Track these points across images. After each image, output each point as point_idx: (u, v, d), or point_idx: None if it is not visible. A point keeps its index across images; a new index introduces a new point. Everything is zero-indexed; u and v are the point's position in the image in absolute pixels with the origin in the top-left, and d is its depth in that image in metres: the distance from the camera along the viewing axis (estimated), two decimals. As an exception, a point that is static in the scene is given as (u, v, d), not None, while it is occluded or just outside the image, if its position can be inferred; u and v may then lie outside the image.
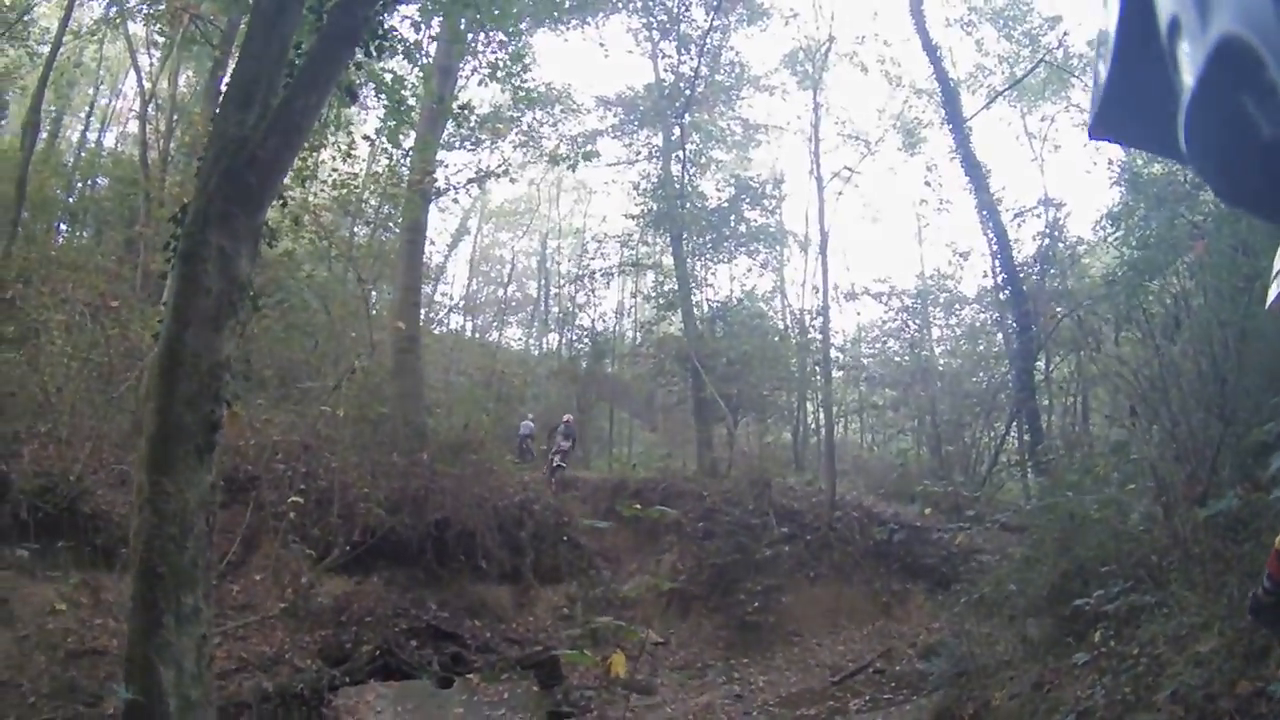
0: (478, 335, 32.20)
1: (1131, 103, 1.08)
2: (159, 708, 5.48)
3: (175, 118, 17.40)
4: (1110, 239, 14.05)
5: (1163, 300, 10.25)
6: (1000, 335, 24.09)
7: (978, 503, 18.07)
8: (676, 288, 23.54)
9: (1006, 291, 21.19)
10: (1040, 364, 21.75)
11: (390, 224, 19.22)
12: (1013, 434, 22.10)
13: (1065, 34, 23.92)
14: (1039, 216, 21.98)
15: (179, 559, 5.81)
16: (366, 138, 14.90)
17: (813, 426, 27.82)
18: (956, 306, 27.06)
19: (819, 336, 24.50)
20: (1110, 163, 17.38)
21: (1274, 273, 2.93)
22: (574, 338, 28.70)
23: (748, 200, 24.56)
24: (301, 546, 11.85)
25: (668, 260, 24.32)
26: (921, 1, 22.94)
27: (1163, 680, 5.79)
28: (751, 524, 16.69)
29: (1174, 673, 5.70)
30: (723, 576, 15.95)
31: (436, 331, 26.50)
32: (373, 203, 18.85)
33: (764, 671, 14.14)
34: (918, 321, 27.40)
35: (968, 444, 23.46)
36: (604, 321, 30.63)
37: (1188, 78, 0.83)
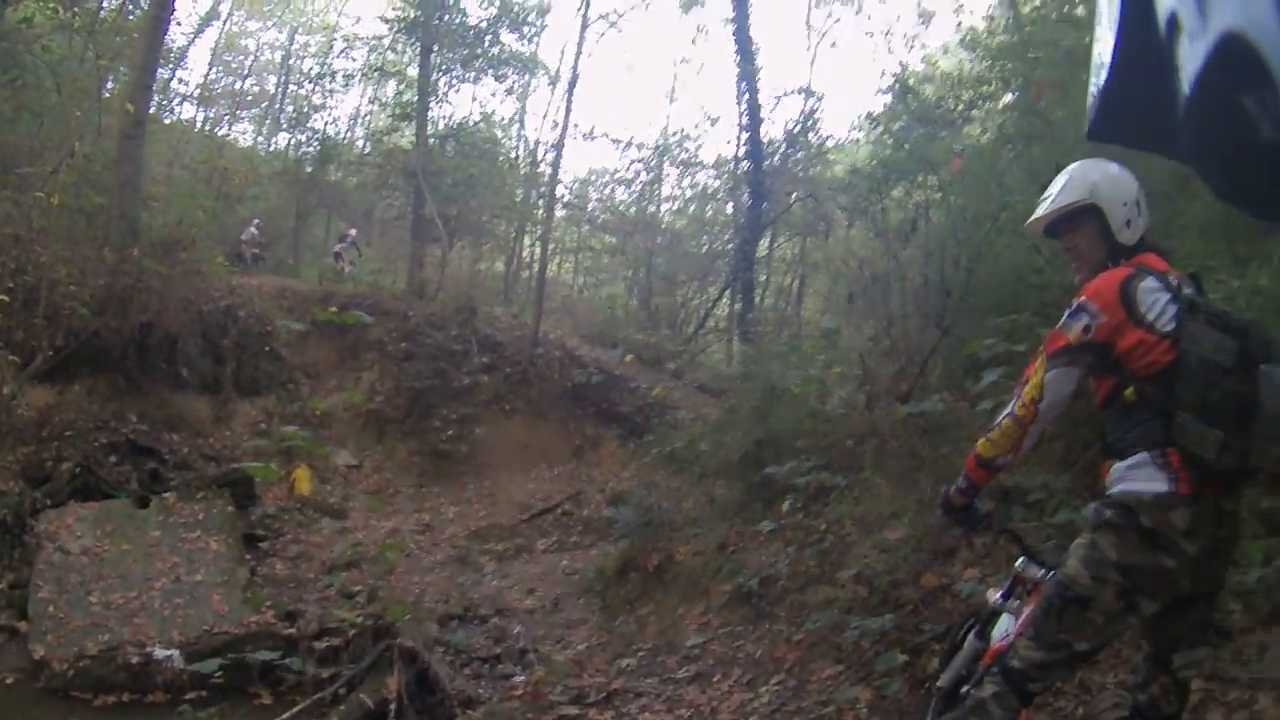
0: (209, 128, 29.39)
1: (1131, 102, 1.08)
2: None
3: None
4: (867, 137, 14.55)
5: (905, 205, 10.76)
6: (731, 206, 24.70)
7: (679, 359, 18.79)
8: (415, 99, 22.37)
9: (747, 164, 21.58)
10: (766, 242, 22.57)
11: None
12: (725, 301, 22.99)
13: None
14: (797, 103, 22.55)
15: None
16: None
17: (527, 261, 27.69)
18: (692, 169, 27.49)
19: (549, 170, 24.24)
20: (883, 73, 18.12)
21: (1043, 196, 3.08)
22: (304, 140, 26.79)
23: (508, 23, 23.48)
24: (5, 352, 10.57)
25: (414, 72, 22.95)
26: None
27: (848, 559, 6.15)
28: (453, 350, 16.43)
29: (860, 554, 6.06)
30: (420, 400, 15.70)
31: (167, 121, 24.00)
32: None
33: (454, 503, 14.16)
34: (651, 174, 27.64)
35: (678, 303, 24.22)
36: (337, 126, 28.96)
37: (1187, 76, 0.85)
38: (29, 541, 9.18)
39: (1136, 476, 2.70)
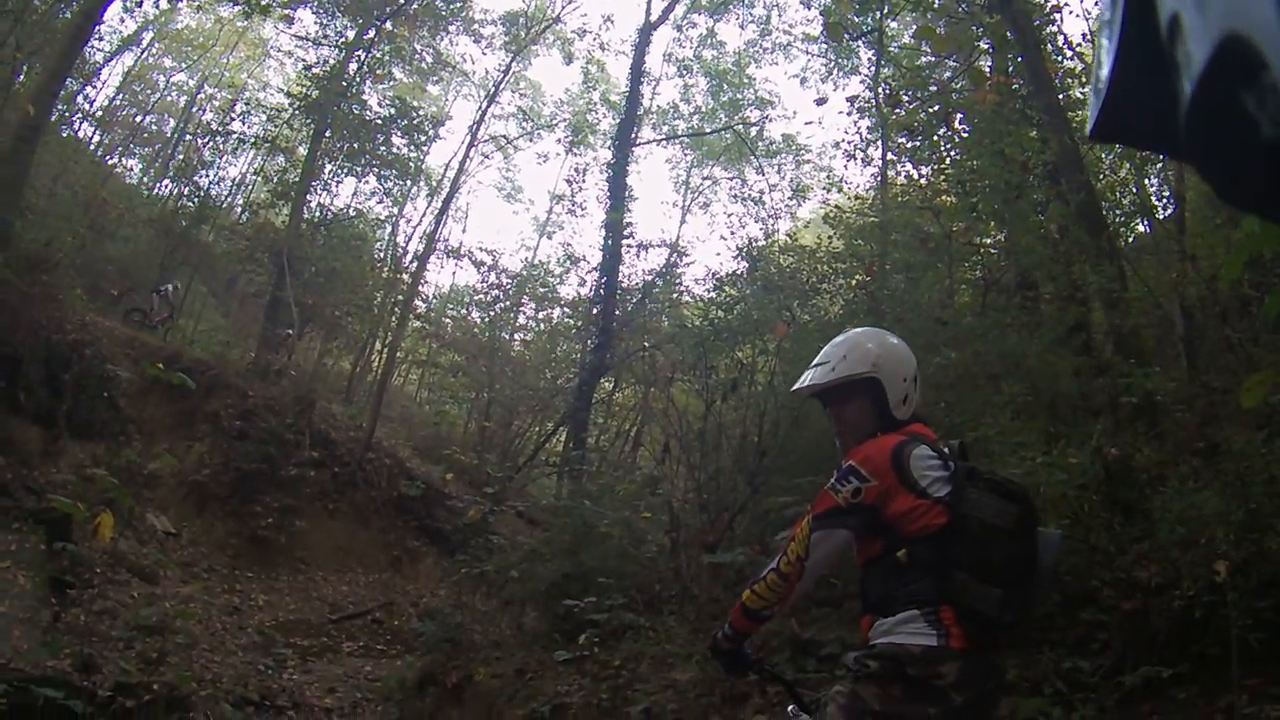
0: (100, 155, 28.61)
1: (1133, 104, 1.03)
2: None
3: None
4: (712, 298, 15.31)
5: (730, 366, 11.40)
6: (579, 346, 25.24)
7: (502, 484, 18.91)
8: (298, 180, 22.44)
9: (601, 308, 22.23)
10: (610, 385, 23.08)
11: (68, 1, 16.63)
12: (559, 437, 23.28)
13: (768, 118, 26.02)
14: (659, 255, 23.53)
15: None
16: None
17: (374, 365, 27.54)
18: (548, 303, 28.07)
19: (409, 280, 24.52)
20: (740, 240, 19.29)
21: (818, 360, 3.19)
22: (186, 193, 26.36)
23: (402, 127, 24.02)
24: None
25: (303, 151, 23.11)
26: (654, 28, 23.91)
27: (638, 695, 6.42)
28: (286, 439, 16.22)
29: (650, 690, 6.34)
30: (246, 482, 15.35)
31: (64, 134, 23.37)
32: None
33: (266, 591, 13.77)
34: (508, 302, 28.10)
35: (513, 432, 24.37)
36: (219, 188, 28.66)
37: (1188, 77, 0.81)
38: None
39: (904, 631, 2.75)
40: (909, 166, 13.98)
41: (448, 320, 29.35)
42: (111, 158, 29.81)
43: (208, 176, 27.43)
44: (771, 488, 8.22)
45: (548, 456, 23.19)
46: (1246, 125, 0.72)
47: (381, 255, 28.94)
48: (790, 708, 3.28)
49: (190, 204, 25.71)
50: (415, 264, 24.98)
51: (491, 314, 28.09)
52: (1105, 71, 0.98)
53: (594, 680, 7.14)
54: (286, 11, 21.55)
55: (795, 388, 3.32)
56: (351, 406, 21.17)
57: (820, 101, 18.38)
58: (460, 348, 27.71)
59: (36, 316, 13.08)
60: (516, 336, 29.09)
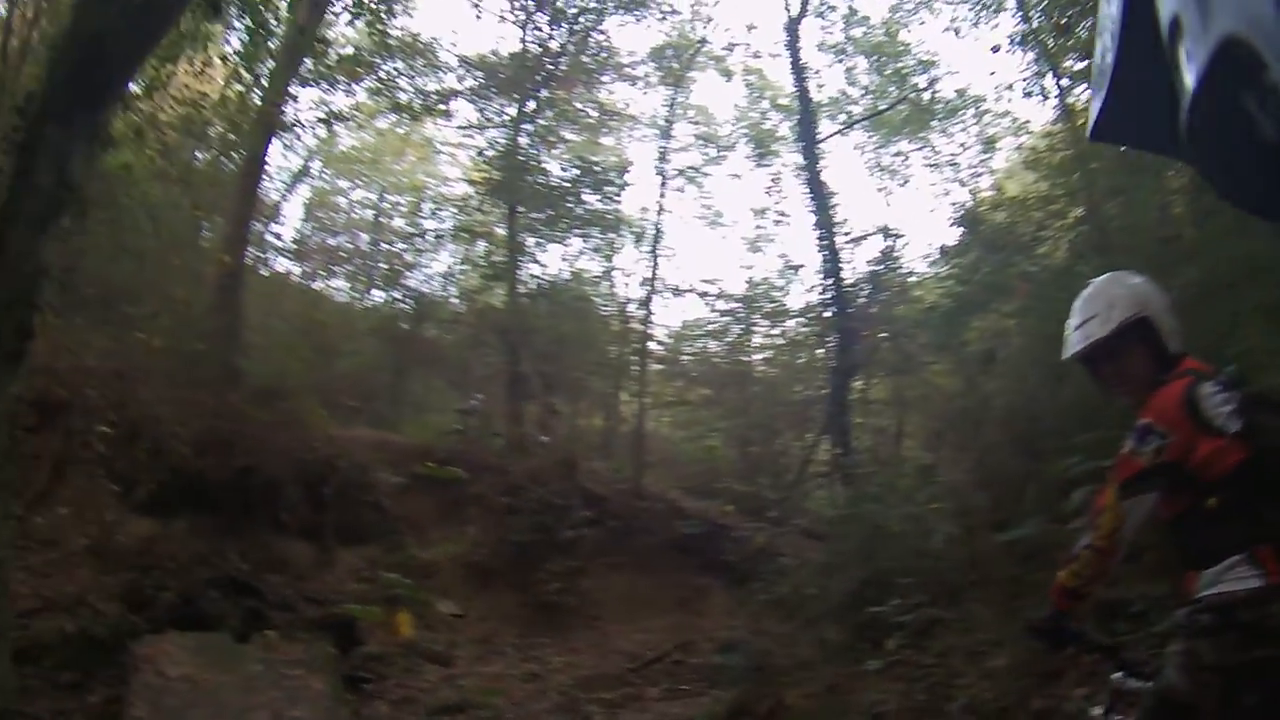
0: (304, 282, 30.80)
1: (1134, 104, 1.10)
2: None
3: (44, 3, 15.98)
4: (941, 273, 14.74)
5: (982, 336, 10.87)
6: (821, 351, 24.89)
7: (782, 506, 18.73)
8: (505, 259, 23.23)
9: (833, 309, 21.83)
10: (860, 384, 22.57)
11: (233, 153, 18.22)
12: (823, 446, 22.89)
13: (935, 79, 25.03)
14: (876, 243, 22.85)
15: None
16: (223, 58, 14.05)
17: (625, 416, 28.01)
18: (780, 317, 27.77)
19: (641, 327, 24.77)
20: (954, 205, 18.38)
21: (1077, 322, 3.06)
22: (398, 297, 27.93)
23: (589, 184, 24.41)
24: (107, 482, 11.18)
25: (502, 231, 23.99)
26: (798, 22, 23.48)
27: (955, 690, 6.11)
28: (556, 504, 16.54)
29: (967, 684, 6.03)
30: (524, 554, 15.79)
31: (264, 274, 25.40)
32: (219, 128, 17.85)
33: (561, 653, 14.09)
34: (741, 326, 27.96)
35: (777, 450, 24.15)
36: (430, 285, 29.96)
37: (1189, 78, 0.85)
38: (126, 663, 9.36)
39: (1228, 579, 2.66)
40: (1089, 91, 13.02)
41: (685, 358, 29.48)
42: (316, 282, 31.28)
43: (414, 277, 28.53)
44: (1051, 452, 7.68)
45: (816, 468, 22.85)
46: (1247, 125, 0.76)
47: (607, 309, 29.46)
48: (1115, 674, 3.14)
49: (406, 305, 26.93)
50: (641, 310, 25.27)
51: (728, 341, 28.04)
52: (1106, 72, 1.04)
53: (908, 683, 6.87)
54: (441, 107, 22.40)
55: (1070, 352, 3.15)
56: (613, 460, 21.57)
57: (995, 49, 17.42)
58: (706, 380, 27.80)
59: (283, 442, 13.90)
60: (756, 357, 28.88)
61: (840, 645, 8.86)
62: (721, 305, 27.13)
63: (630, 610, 15.64)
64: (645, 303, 23.76)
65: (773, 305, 27.45)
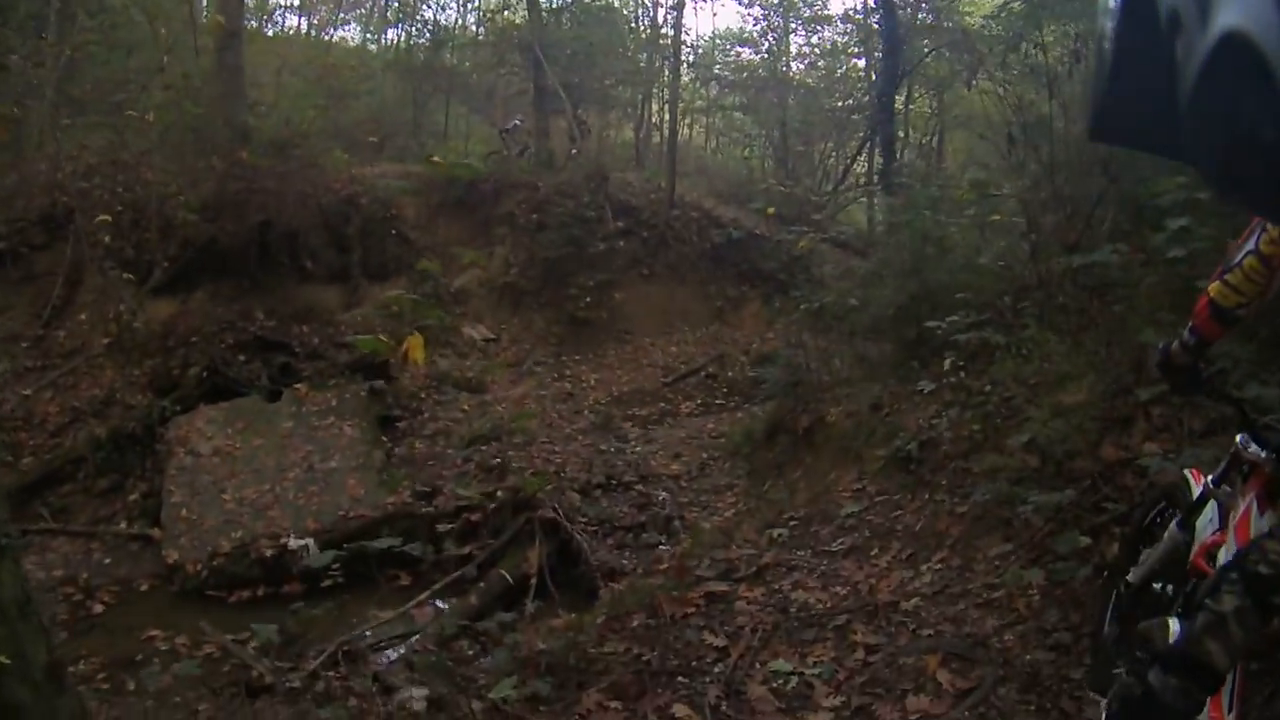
0: (313, 34, 29.03)
1: (1131, 101, 1.06)
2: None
3: None
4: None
5: (1063, 42, 9.65)
6: (862, 61, 23.59)
7: (824, 209, 18.05)
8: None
9: (878, 17, 20.28)
10: (901, 98, 21.33)
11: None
12: (863, 158, 21.98)
13: None
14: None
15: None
16: None
17: (656, 125, 26.91)
18: (818, 26, 26.07)
19: (671, 32, 23.24)
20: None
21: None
22: (414, 31, 26.36)
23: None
24: (119, 272, 11.01)
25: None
26: None
27: (1016, 425, 5.61)
28: (586, 217, 16.04)
29: (1029, 419, 5.50)
30: (555, 270, 15.50)
31: (270, 34, 23.98)
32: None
33: (595, 370, 14.11)
34: (776, 33, 26.29)
35: (816, 160, 23.25)
36: (445, 13, 28.30)
37: (1188, 74, 0.85)
38: (160, 450, 9.43)
39: None
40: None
41: (719, 66, 27.92)
42: (327, 33, 29.86)
43: (429, 7, 27.15)
44: (1133, 170, 6.78)
45: (855, 179, 22.00)
46: (1246, 123, 0.79)
47: (634, 19, 27.62)
48: (1240, 437, 2.52)
49: (422, 39, 25.67)
50: (671, 14, 23.56)
51: (764, 47, 26.42)
52: (1103, 69, 1.06)
53: (960, 409, 6.41)
54: None
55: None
56: (645, 170, 20.77)
57: None
58: (740, 87, 26.47)
59: (300, 189, 13.49)
60: (794, 65, 27.30)
61: (885, 363, 8.48)
62: (756, 10, 25.31)
63: (663, 323, 15.47)
64: (675, 8, 22.02)
65: (812, 9, 25.66)
